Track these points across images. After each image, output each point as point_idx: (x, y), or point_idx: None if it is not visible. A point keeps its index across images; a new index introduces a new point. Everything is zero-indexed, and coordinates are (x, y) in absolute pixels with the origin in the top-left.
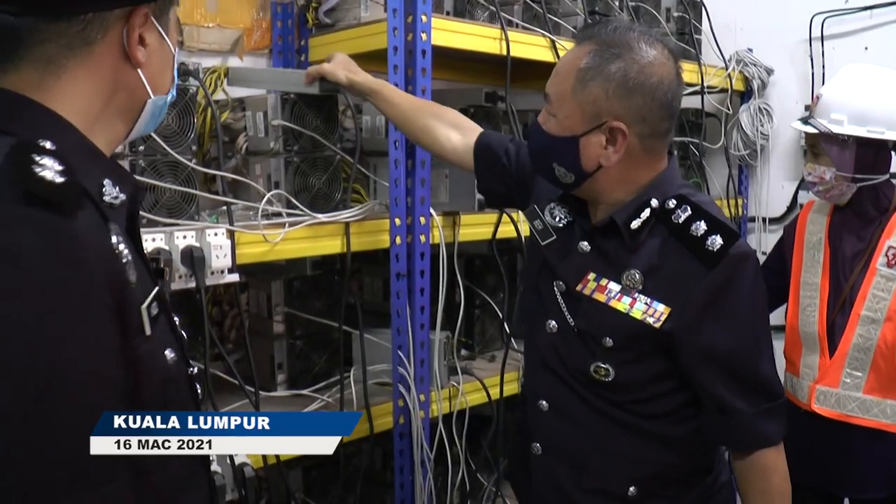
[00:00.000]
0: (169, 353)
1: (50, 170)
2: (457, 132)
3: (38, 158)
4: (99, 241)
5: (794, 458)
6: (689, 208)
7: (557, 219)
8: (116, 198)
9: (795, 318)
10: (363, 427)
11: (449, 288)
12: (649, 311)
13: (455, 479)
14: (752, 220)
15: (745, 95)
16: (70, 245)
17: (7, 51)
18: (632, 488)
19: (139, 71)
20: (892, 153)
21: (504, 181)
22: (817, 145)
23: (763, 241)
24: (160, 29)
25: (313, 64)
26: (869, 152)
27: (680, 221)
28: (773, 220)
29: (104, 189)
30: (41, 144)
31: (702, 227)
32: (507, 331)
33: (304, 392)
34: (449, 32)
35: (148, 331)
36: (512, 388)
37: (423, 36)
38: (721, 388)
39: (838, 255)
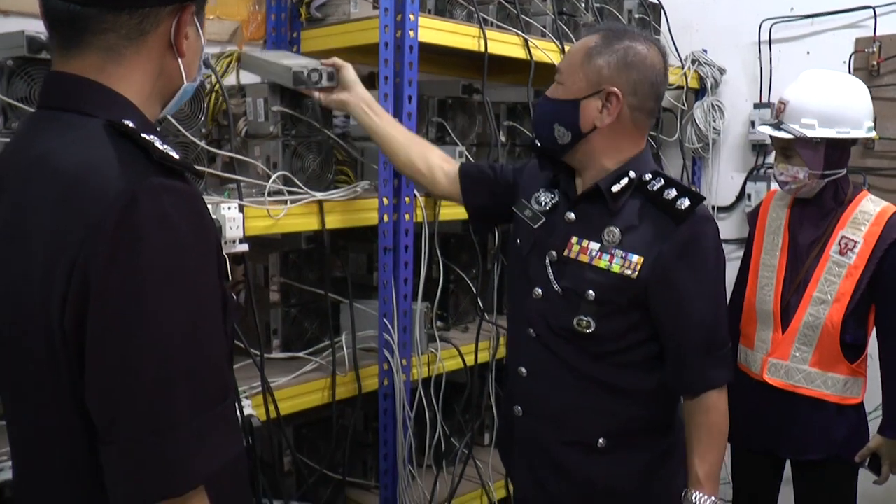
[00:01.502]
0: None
1: (164, 146)
2: (448, 164)
3: (148, 137)
4: (198, 195)
5: (745, 424)
6: (662, 179)
7: (544, 203)
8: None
9: (753, 295)
10: (353, 387)
11: (428, 264)
12: (626, 263)
13: (432, 441)
14: None
15: (700, 93)
16: (196, 205)
17: (72, 37)
18: (601, 439)
19: (179, 60)
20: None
21: (491, 190)
22: (790, 148)
23: None
24: (198, 24)
25: (305, 54)
26: (835, 151)
27: (655, 189)
28: (723, 209)
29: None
30: (127, 123)
31: (673, 192)
32: (480, 304)
33: (299, 355)
34: (433, 30)
35: (230, 275)
36: (484, 356)
37: (411, 33)
38: (683, 332)
39: (796, 241)
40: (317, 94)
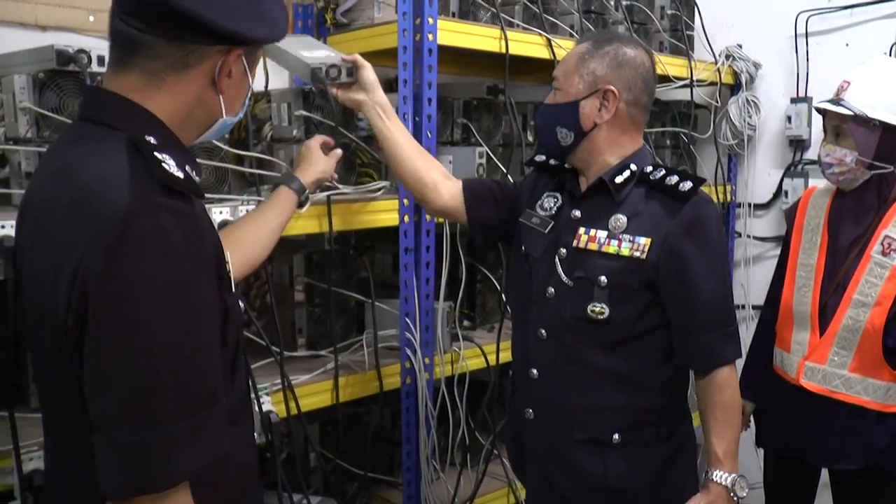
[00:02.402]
0: (242, 305)
1: (172, 166)
2: (450, 181)
3: (160, 156)
4: (207, 219)
5: (779, 429)
6: (663, 170)
7: (549, 208)
8: (197, 178)
9: (790, 296)
10: (374, 385)
11: (453, 264)
12: (634, 246)
13: (456, 438)
14: (740, 205)
15: (735, 88)
16: (194, 224)
17: (124, 57)
18: (616, 435)
19: (220, 95)
20: None
21: (496, 205)
22: (842, 127)
23: (749, 226)
24: (246, 65)
25: None
26: (890, 141)
27: (657, 178)
28: (760, 206)
29: (192, 173)
30: (148, 139)
31: (675, 178)
32: (505, 300)
33: (322, 353)
34: (453, 33)
35: (233, 287)
36: (508, 355)
37: (430, 36)
38: (691, 309)
39: (836, 239)
40: (333, 91)
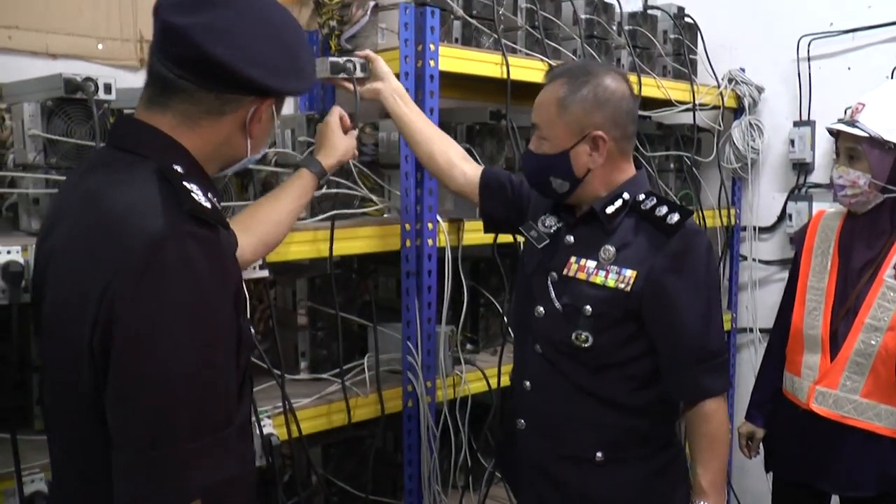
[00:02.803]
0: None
1: (200, 195)
2: (468, 164)
3: (188, 185)
4: (230, 247)
5: (789, 454)
6: (654, 199)
7: (549, 226)
8: (219, 204)
9: (800, 320)
10: (376, 409)
11: (455, 287)
12: (620, 278)
13: (458, 460)
14: (744, 228)
15: (738, 112)
16: (218, 252)
17: (160, 96)
18: (599, 453)
19: (248, 139)
20: None
21: (505, 204)
22: (856, 149)
23: (754, 249)
24: (274, 112)
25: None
26: None
27: (647, 207)
28: (764, 230)
29: (215, 200)
30: (175, 168)
31: (664, 209)
32: (507, 326)
33: (324, 376)
34: (455, 59)
35: (248, 312)
36: (509, 378)
37: (431, 63)
38: (676, 342)
39: (847, 262)
40: (349, 86)
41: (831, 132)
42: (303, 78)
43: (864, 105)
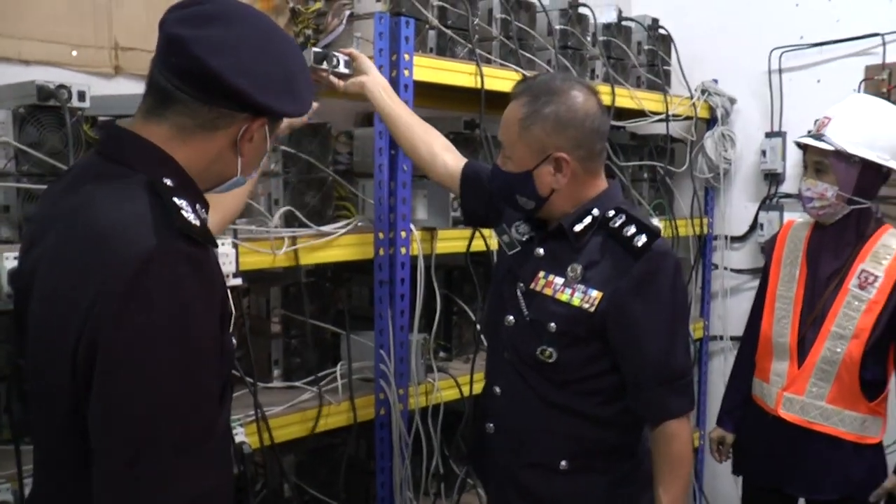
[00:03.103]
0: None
1: (190, 213)
2: (450, 155)
3: (178, 201)
4: (217, 264)
5: (758, 458)
6: (624, 216)
7: (522, 234)
8: (206, 217)
9: (769, 328)
10: (348, 416)
11: (428, 296)
12: (586, 297)
13: (430, 467)
14: (717, 237)
15: (710, 123)
16: (206, 270)
17: (157, 107)
18: (563, 462)
19: (238, 158)
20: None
21: (484, 201)
22: (823, 162)
23: (726, 258)
24: (267, 132)
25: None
26: (869, 177)
27: (616, 226)
28: (736, 239)
29: (202, 211)
30: (166, 182)
31: (632, 229)
32: (479, 334)
33: (297, 384)
34: (430, 69)
35: (231, 327)
36: (481, 386)
37: (406, 73)
38: (640, 364)
39: (815, 272)
40: (334, 80)
41: (799, 145)
42: (298, 101)
43: (830, 119)
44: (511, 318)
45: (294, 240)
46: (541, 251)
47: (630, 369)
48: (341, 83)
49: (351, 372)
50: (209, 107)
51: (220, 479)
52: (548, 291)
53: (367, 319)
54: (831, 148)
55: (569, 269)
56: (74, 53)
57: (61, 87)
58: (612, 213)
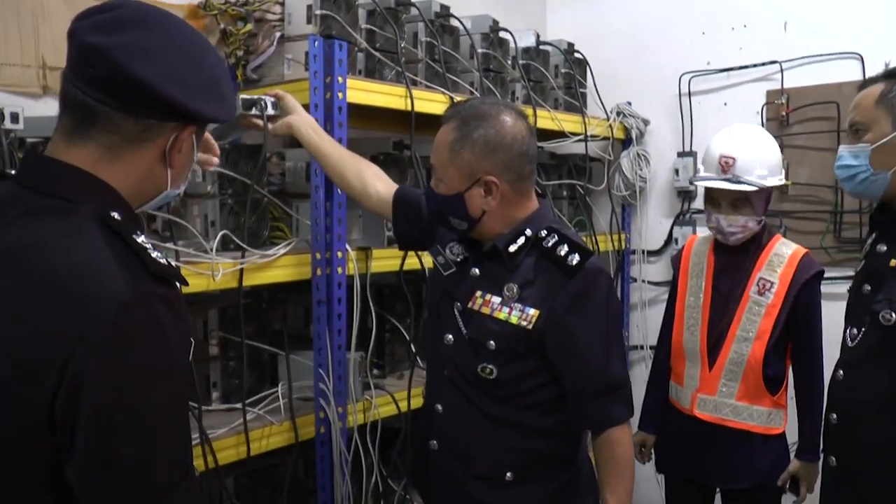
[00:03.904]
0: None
1: (154, 252)
2: (381, 183)
3: (142, 243)
4: (182, 299)
5: (678, 456)
6: (556, 236)
7: (456, 254)
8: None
9: (680, 335)
10: (289, 436)
11: (363, 314)
12: (523, 315)
13: (369, 485)
14: (634, 252)
15: (626, 143)
16: (181, 308)
17: (79, 127)
18: (509, 474)
19: (168, 170)
20: None
21: (417, 226)
22: (741, 199)
23: (644, 271)
24: (194, 141)
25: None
26: (769, 197)
27: (549, 245)
28: (653, 253)
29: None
30: (113, 215)
31: (565, 248)
32: (414, 351)
33: (237, 406)
34: (361, 91)
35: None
36: (417, 401)
37: (340, 95)
38: (580, 377)
39: (719, 282)
40: (261, 123)
41: (711, 190)
42: (224, 105)
43: (734, 159)
44: (450, 336)
45: (235, 262)
46: (476, 271)
47: (571, 382)
48: (270, 125)
49: (292, 392)
50: (135, 119)
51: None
52: (485, 310)
53: (300, 339)
54: (754, 189)
55: (505, 288)
56: None
57: None
58: (544, 232)
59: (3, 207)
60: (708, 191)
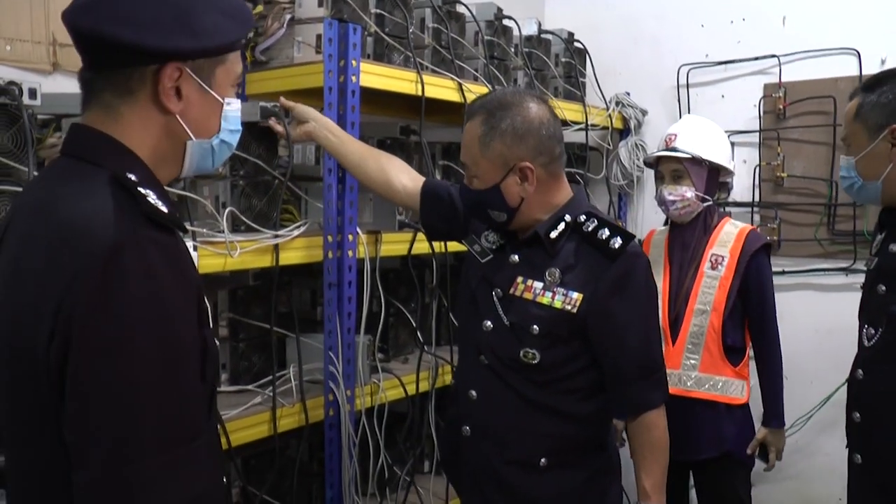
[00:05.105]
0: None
1: (157, 201)
2: (407, 176)
3: (144, 191)
4: (187, 252)
5: None
6: (596, 220)
7: (492, 242)
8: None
9: None
10: (300, 419)
11: (370, 297)
12: (567, 300)
13: (376, 468)
14: None
15: (624, 133)
16: (178, 257)
17: (84, 96)
18: (543, 459)
19: (178, 117)
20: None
21: (446, 218)
22: (680, 170)
23: None
24: (200, 82)
25: (250, 95)
26: (712, 179)
27: (589, 230)
28: None
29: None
30: (129, 176)
31: (606, 232)
32: (420, 337)
33: (248, 387)
34: (374, 75)
35: (210, 322)
36: (424, 386)
37: (354, 78)
38: (621, 359)
39: (675, 263)
40: (281, 129)
41: (653, 160)
42: (197, 35)
43: (676, 135)
44: (489, 323)
45: (252, 241)
46: (515, 258)
47: (611, 365)
48: (293, 132)
49: (302, 375)
50: (116, 73)
51: (211, 481)
52: (528, 296)
53: (307, 322)
54: (688, 156)
55: (546, 273)
56: (9, 48)
57: (11, 83)
58: (583, 217)
59: (47, 174)
60: (656, 170)
